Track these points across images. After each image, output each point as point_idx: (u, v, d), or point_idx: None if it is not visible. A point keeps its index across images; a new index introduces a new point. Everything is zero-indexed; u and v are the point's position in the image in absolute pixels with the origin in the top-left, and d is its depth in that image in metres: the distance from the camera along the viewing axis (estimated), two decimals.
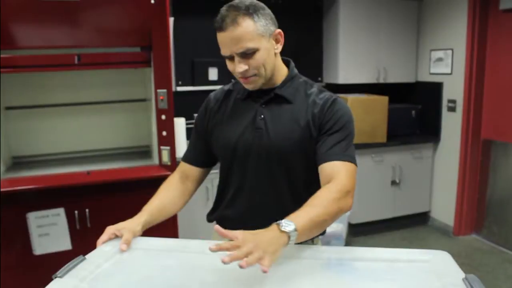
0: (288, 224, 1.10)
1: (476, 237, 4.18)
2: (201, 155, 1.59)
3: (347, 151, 1.35)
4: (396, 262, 1.19)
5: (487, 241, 4.07)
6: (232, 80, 1.55)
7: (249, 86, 1.40)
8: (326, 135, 1.38)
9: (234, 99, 1.50)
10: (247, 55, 1.32)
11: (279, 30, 1.38)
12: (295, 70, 1.50)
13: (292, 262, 1.21)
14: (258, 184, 1.44)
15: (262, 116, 1.42)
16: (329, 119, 1.39)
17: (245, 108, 1.46)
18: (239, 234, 1.05)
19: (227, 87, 1.57)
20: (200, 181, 1.62)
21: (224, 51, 1.34)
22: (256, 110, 1.44)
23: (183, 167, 1.61)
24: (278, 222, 1.12)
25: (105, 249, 1.27)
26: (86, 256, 1.21)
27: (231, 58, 1.35)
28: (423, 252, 1.19)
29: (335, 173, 1.30)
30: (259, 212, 1.45)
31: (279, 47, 1.40)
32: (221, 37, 1.31)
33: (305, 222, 1.14)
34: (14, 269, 2.59)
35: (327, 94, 1.46)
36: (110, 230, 1.32)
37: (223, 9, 1.32)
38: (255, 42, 1.31)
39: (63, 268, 1.12)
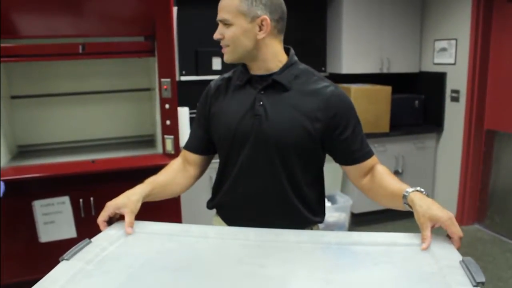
0: (416, 188, 1.31)
1: (479, 227, 4.19)
2: (201, 142, 1.60)
3: (369, 144, 1.51)
4: (394, 245, 1.21)
5: (490, 231, 4.08)
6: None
7: (224, 57, 1.45)
8: (348, 131, 1.44)
9: (233, 86, 1.51)
10: (225, 24, 1.38)
11: (265, 17, 1.36)
12: (295, 58, 1.50)
13: (292, 246, 1.23)
14: (257, 171, 1.45)
15: (261, 102, 1.42)
16: (344, 114, 1.43)
17: (244, 95, 1.47)
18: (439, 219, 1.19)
19: (227, 75, 1.57)
20: (202, 167, 1.64)
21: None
22: (254, 97, 1.44)
23: (185, 154, 1.63)
24: (416, 190, 1.30)
25: (110, 233, 1.30)
26: (92, 240, 1.24)
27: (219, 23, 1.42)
28: (421, 235, 1.21)
29: (372, 166, 1.48)
30: (258, 199, 1.47)
31: (261, 35, 1.38)
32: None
33: None
34: (20, 256, 2.63)
35: (328, 84, 1.47)
36: (110, 208, 1.34)
37: None
38: (231, 16, 1.36)
39: (69, 250, 1.15)
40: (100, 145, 3.17)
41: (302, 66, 1.50)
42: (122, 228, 1.31)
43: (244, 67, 1.49)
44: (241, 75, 1.49)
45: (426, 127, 4.49)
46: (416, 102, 4.52)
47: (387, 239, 1.24)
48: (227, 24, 1.37)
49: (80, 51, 2.57)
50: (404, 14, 4.39)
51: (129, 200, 1.36)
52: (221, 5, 1.38)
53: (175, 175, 1.58)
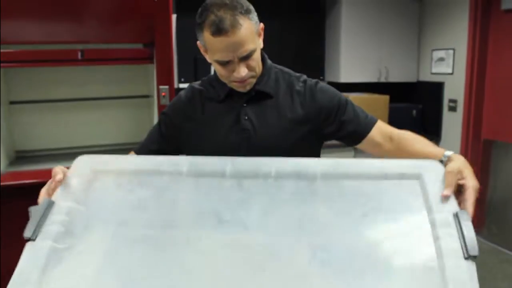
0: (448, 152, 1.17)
1: (476, 237, 4.16)
2: (157, 152, 1.45)
3: (367, 113, 1.42)
4: (385, 179, 1.12)
5: (487, 241, 4.08)
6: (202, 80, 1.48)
7: (243, 89, 1.33)
8: (339, 115, 1.37)
9: (210, 101, 1.40)
10: (246, 57, 1.23)
11: (262, 24, 1.30)
12: (269, 61, 1.42)
13: (274, 188, 1.12)
14: None
15: (247, 116, 1.35)
16: (328, 103, 1.37)
17: (226, 110, 1.37)
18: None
19: (197, 86, 1.46)
20: None
21: (223, 56, 1.22)
22: (238, 111, 1.35)
23: None
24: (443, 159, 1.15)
25: (71, 183, 1.16)
26: (54, 199, 1.12)
27: (226, 63, 1.24)
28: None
29: (386, 132, 1.39)
30: None
31: (261, 42, 1.31)
32: (220, 42, 1.19)
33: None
34: (16, 261, 2.62)
35: (305, 78, 1.42)
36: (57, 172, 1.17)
37: (214, 9, 1.20)
38: (254, 43, 1.24)
39: (32, 219, 1.06)
40: (98, 151, 3.15)
41: (277, 68, 1.44)
42: (82, 176, 1.17)
43: (219, 80, 1.36)
44: (219, 88, 1.38)
45: (423, 136, 4.48)
46: (414, 112, 4.54)
47: (378, 171, 1.13)
48: (249, 55, 1.23)
49: (79, 57, 2.58)
50: (402, 24, 4.43)
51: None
52: (238, 41, 1.19)
53: None
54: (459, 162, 1.10)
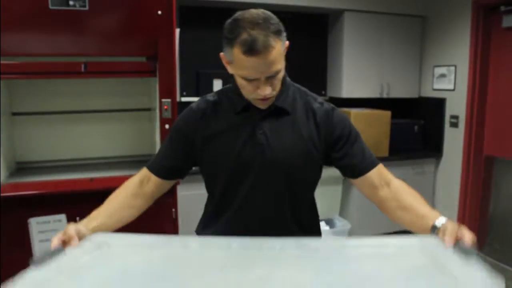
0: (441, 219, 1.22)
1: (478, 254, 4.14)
2: (171, 168, 1.48)
3: (372, 154, 1.44)
4: (386, 247, 1.19)
5: (489, 258, 4.04)
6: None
7: (263, 106, 1.36)
8: (347, 146, 1.40)
9: (226, 113, 1.42)
10: (272, 76, 1.25)
11: (288, 42, 1.30)
12: (288, 78, 1.44)
13: (277, 253, 1.18)
14: (261, 200, 1.40)
15: (262, 130, 1.37)
16: (341, 130, 1.41)
17: (241, 123, 1.38)
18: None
19: (211, 98, 1.47)
20: (160, 192, 1.51)
21: (251, 74, 1.24)
22: (254, 124, 1.37)
23: (147, 174, 1.48)
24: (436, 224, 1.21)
25: (85, 243, 1.21)
26: (66, 249, 1.17)
27: (252, 80, 1.26)
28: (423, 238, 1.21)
29: (384, 177, 1.41)
30: (260, 227, 1.41)
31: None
32: (251, 61, 1.20)
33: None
34: (15, 273, 2.60)
35: (322, 101, 1.45)
36: (71, 230, 1.21)
37: (248, 27, 1.19)
38: (281, 63, 1.26)
39: (40, 255, 1.09)
40: (99, 164, 3.16)
41: (295, 86, 1.47)
42: (97, 241, 1.23)
43: (237, 92, 1.38)
44: (237, 100, 1.40)
45: (425, 152, 4.49)
46: (416, 127, 4.54)
47: (377, 242, 1.21)
48: (275, 74, 1.25)
49: (83, 69, 2.59)
50: (404, 40, 4.45)
51: (76, 229, 1.24)
52: (269, 61, 1.20)
53: (127, 198, 1.45)
54: (455, 223, 1.17)
